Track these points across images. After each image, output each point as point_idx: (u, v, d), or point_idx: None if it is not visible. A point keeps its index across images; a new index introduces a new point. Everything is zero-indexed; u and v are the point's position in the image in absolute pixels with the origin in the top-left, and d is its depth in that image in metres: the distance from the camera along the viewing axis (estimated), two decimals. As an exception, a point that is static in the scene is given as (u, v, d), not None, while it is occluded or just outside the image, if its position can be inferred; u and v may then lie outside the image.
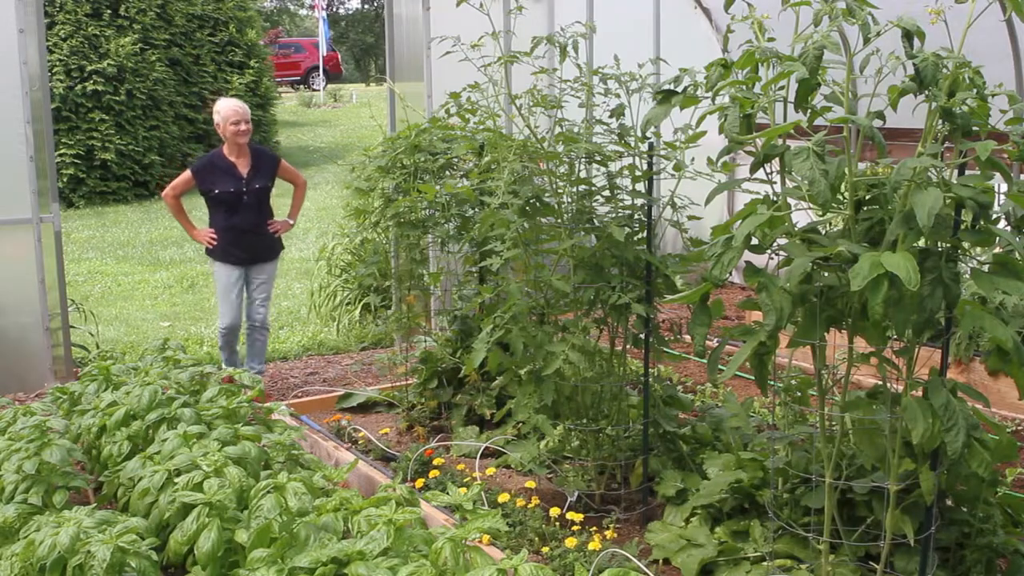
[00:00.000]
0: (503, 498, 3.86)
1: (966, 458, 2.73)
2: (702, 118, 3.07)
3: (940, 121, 2.62)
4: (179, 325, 7.94)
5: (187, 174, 5.64)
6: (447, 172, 4.85)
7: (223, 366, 5.73)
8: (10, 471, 3.48)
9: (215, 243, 5.61)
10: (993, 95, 2.61)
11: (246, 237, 5.62)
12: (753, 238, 2.69)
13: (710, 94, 2.92)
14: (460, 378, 4.99)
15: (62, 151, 13.95)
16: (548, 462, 4.18)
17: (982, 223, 2.62)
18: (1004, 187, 2.73)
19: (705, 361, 3.17)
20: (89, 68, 14.41)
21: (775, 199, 2.79)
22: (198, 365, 4.54)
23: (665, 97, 3.16)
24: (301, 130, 21.48)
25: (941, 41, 2.58)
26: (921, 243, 2.62)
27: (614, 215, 3.85)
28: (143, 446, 3.76)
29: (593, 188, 3.89)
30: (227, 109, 5.55)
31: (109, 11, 14.99)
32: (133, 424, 3.85)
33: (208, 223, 5.69)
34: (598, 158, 3.82)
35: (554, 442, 4.21)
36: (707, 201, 3.23)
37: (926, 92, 2.56)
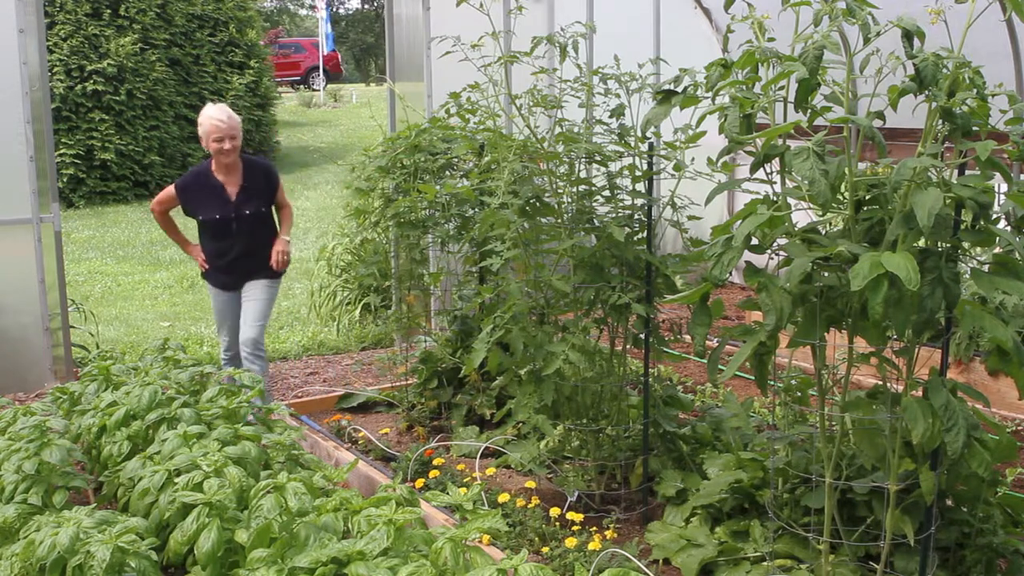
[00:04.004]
0: (503, 498, 3.86)
1: (966, 458, 2.73)
2: (702, 118, 3.07)
3: (940, 121, 2.62)
4: (179, 325, 7.94)
5: (171, 190, 5.06)
6: (447, 172, 4.85)
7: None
8: (10, 471, 3.48)
9: (206, 267, 5.16)
10: (993, 95, 2.61)
11: (237, 263, 5.04)
12: (753, 238, 2.70)
13: (710, 94, 2.92)
14: (460, 378, 4.99)
15: (62, 151, 13.96)
16: (548, 462, 4.18)
17: (982, 223, 2.62)
18: (1004, 187, 2.73)
19: (705, 361, 3.17)
20: (89, 68, 14.41)
21: (775, 199, 2.79)
22: (198, 365, 4.54)
23: (665, 97, 3.16)
24: (301, 130, 21.48)
25: (941, 41, 2.58)
26: (921, 243, 2.62)
27: (614, 215, 3.85)
28: (143, 446, 3.76)
29: (593, 188, 3.89)
30: (208, 122, 4.81)
31: (109, 11, 14.99)
32: (133, 424, 3.85)
33: (200, 240, 5.13)
34: (598, 158, 3.82)
35: (554, 442, 4.20)
36: (707, 201, 3.23)
37: (926, 92, 2.56)
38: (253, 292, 5.09)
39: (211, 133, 4.79)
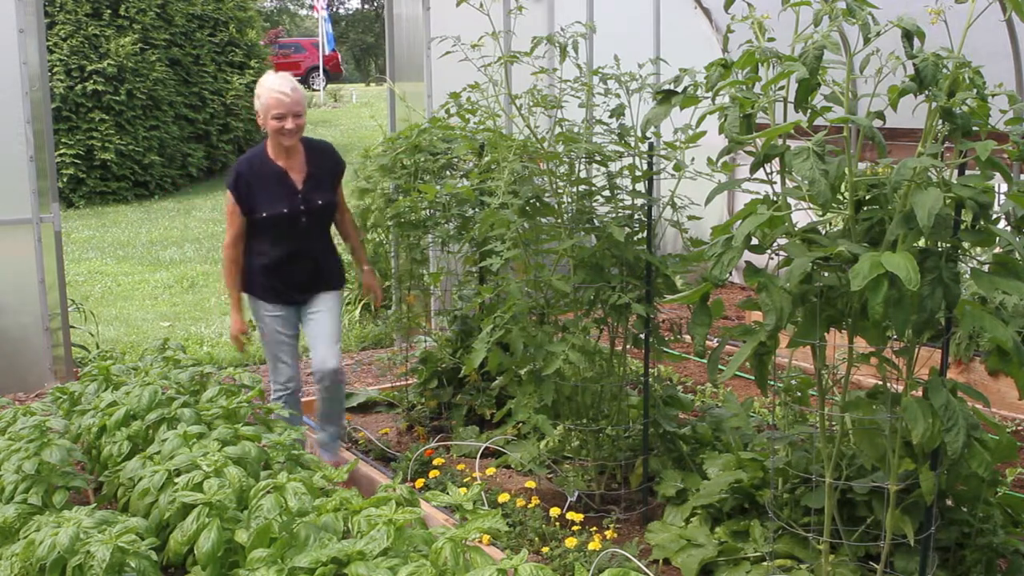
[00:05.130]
0: (503, 498, 3.86)
1: (966, 458, 2.73)
2: (702, 118, 3.07)
3: (940, 121, 2.62)
4: (179, 325, 7.94)
5: (229, 198, 4.09)
6: (447, 172, 4.85)
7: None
8: (10, 471, 3.48)
9: (245, 343, 4.32)
10: (993, 95, 2.61)
11: (308, 268, 4.17)
12: (753, 238, 2.70)
13: (710, 94, 2.92)
14: (460, 378, 4.99)
15: (62, 151, 13.96)
16: (548, 462, 4.18)
17: (982, 223, 2.62)
18: (1004, 187, 2.73)
19: (705, 361, 3.17)
20: (89, 68, 14.41)
21: (775, 199, 2.79)
22: (198, 365, 4.54)
23: (665, 97, 3.16)
24: (301, 130, 21.43)
25: (941, 41, 2.58)
26: (921, 243, 2.62)
27: (614, 215, 3.85)
28: (143, 446, 3.76)
29: (593, 188, 3.89)
30: (268, 95, 3.94)
31: (109, 11, 14.99)
32: (133, 424, 3.85)
33: (249, 249, 4.17)
34: (598, 158, 3.82)
35: (554, 442, 4.21)
36: (707, 201, 3.23)
37: (926, 92, 2.56)
38: (323, 303, 4.21)
39: (271, 108, 3.94)
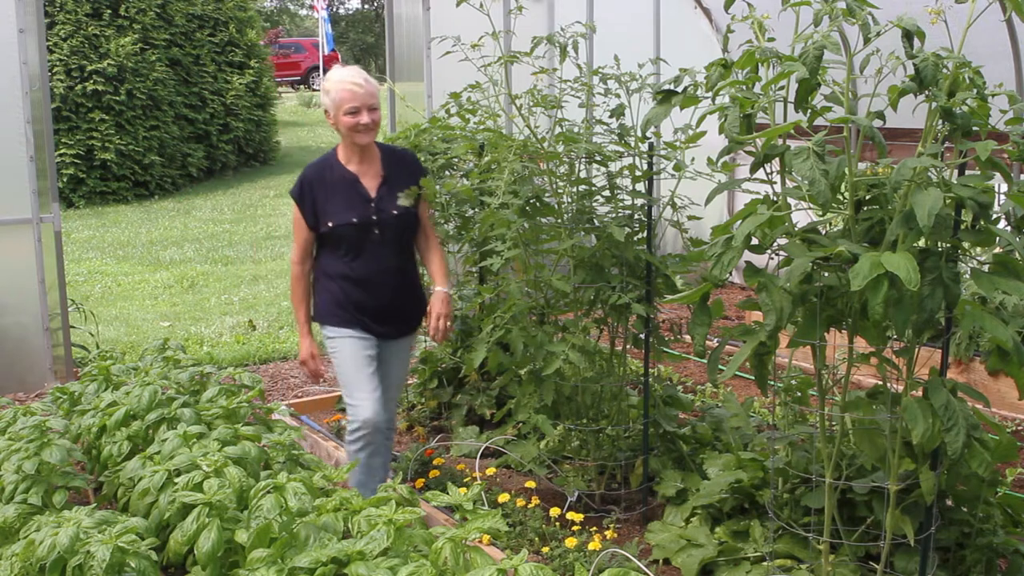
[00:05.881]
0: (503, 498, 3.85)
1: (966, 458, 2.73)
2: (702, 118, 3.07)
3: (940, 121, 2.62)
4: (179, 325, 7.94)
5: (295, 208, 3.68)
6: (447, 172, 4.85)
7: (350, 483, 3.63)
8: (10, 471, 3.48)
9: (322, 374, 3.81)
10: (993, 95, 2.61)
11: (377, 295, 3.63)
12: (753, 238, 2.69)
13: (710, 94, 2.92)
14: (460, 378, 4.99)
15: (62, 151, 13.96)
16: (548, 462, 4.18)
17: (982, 223, 2.62)
18: (1004, 187, 2.73)
19: (705, 361, 3.17)
20: (89, 68, 14.41)
21: (775, 199, 2.79)
22: (198, 365, 4.54)
23: (665, 97, 3.16)
24: (301, 130, 21.48)
25: (941, 41, 2.58)
26: (921, 243, 2.62)
27: (614, 215, 3.85)
28: (143, 446, 3.76)
29: (593, 188, 3.89)
30: (339, 88, 3.51)
31: (109, 11, 14.99)
32: (133, 424, 3.85)
33: (318, 268, 3.72)
34: (598, 158, 3.82)
35: (554, 442, 4.21)
36: (707, 201, 3.23)
37: (926, 92, 2.56)
38: (397, 351, 3.77)
39: (343, 102, 3.49)
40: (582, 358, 3.62)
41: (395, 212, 3.62)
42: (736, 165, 3.26)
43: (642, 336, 3.83)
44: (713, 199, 3.11)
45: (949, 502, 3.21)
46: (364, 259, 3.60)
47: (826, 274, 2.75)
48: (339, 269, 3.62)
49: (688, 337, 3.23)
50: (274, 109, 18.44)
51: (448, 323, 3.66)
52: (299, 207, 3.65)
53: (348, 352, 3.61)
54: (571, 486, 3.94)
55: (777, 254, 2.80)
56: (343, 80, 3.52)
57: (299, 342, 3.76)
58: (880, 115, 2.66)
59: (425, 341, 5.35)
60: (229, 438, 3.52)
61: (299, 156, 18.68)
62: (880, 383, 2.93)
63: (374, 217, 3.60)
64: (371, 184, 3.64)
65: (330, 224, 3.58)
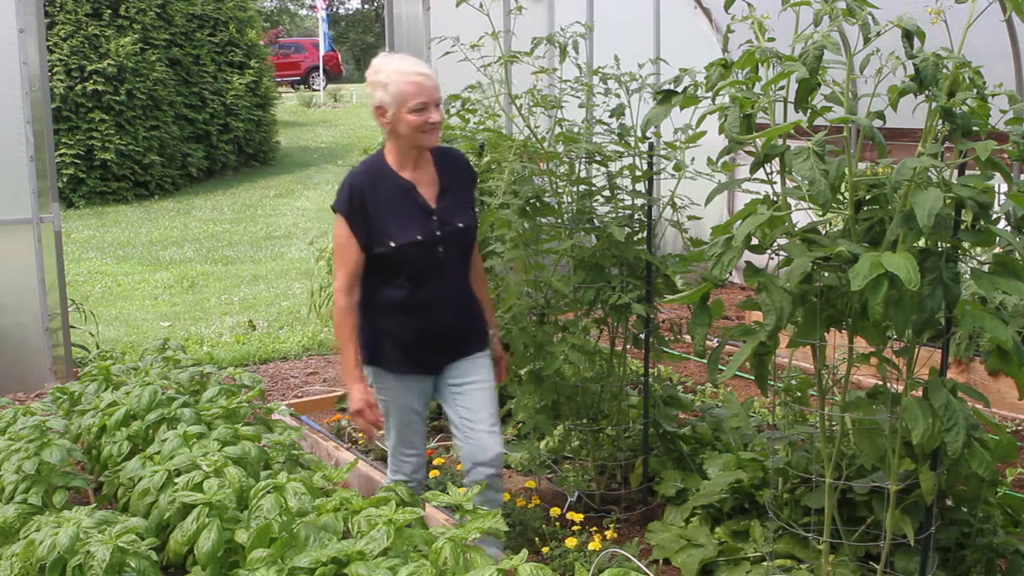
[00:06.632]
0: (503, 498, 3.85)
1: (966, 458, 2.73)
2: (702, 118, 3.07)
3: (940, 121, 2.62)
4: (179, 325, 7.94)
5: (342, 225, 3.02)
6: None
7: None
8: (10, 471, 3.48)
9: (380, 425, 3.15)
10: (993, 95, 2.61)
11: (440, 324, 3.11)
12: (753, 238, 2.69)
13: (710, 94, 2.92)
14: (460, 378, 4.98)
15: (62, 151, 13.95)
16: (548, 462, 4.18)
17: (982, 223, 2.62)
18: (1004, 187, 2.73)
19: (705, 361, 3.17)
20: (89, 68, 14.41)
21: (775, 199, 2.79)
22: (198, 365, 4.54)
23: (665, 97, 3.16)
24: (301, 130, 21.48)
25: (941, 41, 2.58)
26: (921, 243, 2.62)
27: (614, 215, 3.86)
28: (143, 446, 3.76)
29: (593, 188, 3.89)
30: (402, 81, 2.93)
31: (109, 11, 14.99)
32: (133, 424, 3.85)
33: (366, 299, 3.11)
34: (598, 158, 3.82)
35: (554, 442, 4.21)
36: (707, 201, 3.23)
37: (926, 92, 2.56)
38: (476, 370, 3.18)
39: (408, 97, 2.92)
40: (582, 358, 3.62)
41: (460, 225, 3.09)
42: (736, 165, 3.26)
43: (642, 336, 3.83)
44: (713, 199, 3.11)
45: (949, 502, 3.21)
46: (425, 283, 3.05)
47: (826, 274, 2.75)
48: (394, 298, 3.05)
49: (688, 337, 3.23)
50: (274, 109, 18.43)
51: (506, 366, 3.43)
52: (349, 224, 3.00)
53: (404, 402, 3.14)
54: (571, 486, 3.94)
55: (777, 254, 2.80)
56: (405, 71, 2.94)
57: (348, 388, 3.08)
58: (880, 115, 2.66)
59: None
60: (229, 438, 3.52)
61: (299, 156, 18.68)
62: (880, 383, 2.93)
63: (438, 232, 3.04)
64: (429, 193, 3.07)
65: (392, 244, 2.99)
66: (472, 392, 3.15)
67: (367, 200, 3.01)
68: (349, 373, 3.08)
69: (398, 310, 3.07)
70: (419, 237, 3.01)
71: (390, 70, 2.97)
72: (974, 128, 2.61)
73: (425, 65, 3.03)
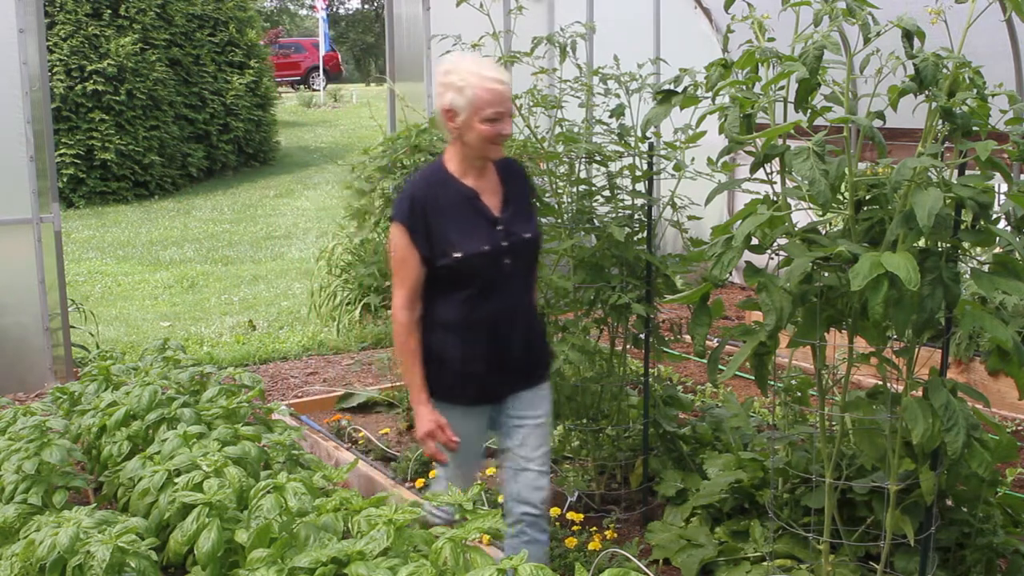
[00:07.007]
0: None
1: (966, 458, 2.73)
2: (702, 118, 3.07)
3: (940, 121, 2.62)
4: (179, 325, 7.94)
5: (402, 236, 2.81)
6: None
7: None
8: (10, 471, 3.48)
9: (455, 445, 2.86)
10: (993, 95, 2.61)
11: (508, 345, 2.89)
12: (753, 238, 2.70)
13: (710, 94, 2.92)
14: (460, 378, 4.98)
15: (62, 151, 13.96)
16: (548, 462, 4.18)
17: (982, 223, 2.62)
18: (1004, 187, 2.73)
19: (705, 361, 3.17)
20: (89, 68, 14.41)
21: (775, 199, 2.79)
22: (198, 365, 4.54)
23: (665, 97, 3.16)
24: (301, 130, 21.49)
25: (941, 41, 2.59)
26: (921, 243, 2.62)
27: (614, 215, 3.86)
28: (143, 446, 3.76)
29: (593, 188, 3.89)
30: (480, 86, 2.72)
31: (109, 11, 14.99)
32: (133, 424, 3.85)
33: (427, 319, 2.88)
34: (598, 158, 3.82)
35: (554, 442, 4.20)
36: (707, 201, 3.23)
37: (926, 92, 2.56)
38: (538, 403, 2.99)
39: (484, 105, 2.73)
40: (582, 358, 3.62)
41: (526, 236, 2.91)
42: (736, 165, 3.26)
43: (642, 336, 3.83)
44: (713, 199, 3.11)
45: (949, 502, 3.21)
46: (492, 298, 2.85)
47: (826, 274, 2.75)
48: (456, 315, 2.84)
49: (688, 337, 3.23)
50: (274, 109, 18.45)
51: None
52: (410, 236, 2.79)
53: (469, 435, 2.91)
54: (571, 486, 3.94)
55: (777, 254, 2.80)
56: (483, 75, 2.73)
57: (416, 410, 2.87)
58: (880, 115, 2.66)
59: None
60: (229, 438, 3.51)
61: (299, 156, 18.69)
62: (880, 383, 2.93)
63: (504, 243, 2.85)
64: (493, 202, 2.89)
65: (456, 255, 2.78)
66: (532, 429, 2.95)
67: (428, 209, 2.81)
68: (416, 395, 2.86)
69: (462, 328, 2.84)
70: (485, 247, 2.82)
71: (467, 72, 2.75)
72: (974, 128, 2.61)
73: (503, 71, 2.82)
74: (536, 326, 3.04)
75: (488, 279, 2.83)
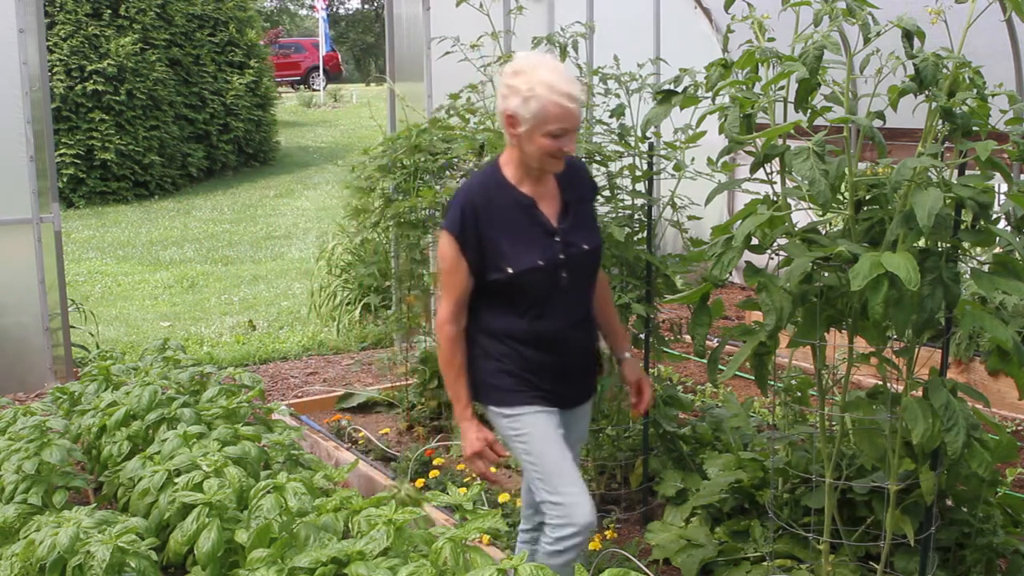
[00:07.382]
0: (503, 498, 3.85)
1: (966, 458, 2.73)
2: (702, 118, 3.07)
3: (940, 121, 2.62)
4: (179, 325, 7.94)
5: (451, 246, 2.66)
6: (447, 172, 4.85)
7: None
8: (10, 471, 3.48)
9: (498, 457, 2.76)
10: (993, 95, 2.61)
11: (562, 360, 2.77)
12: (753, 238, 2.69)
13: (710, 94, 2.92)
14: (460, 378, 4.98)
15: (62, 151, 13.96)
16: (548, 462, 4.17)
17: (982, 223, 2.62)
18: (1004, 187, 2.73)
19: (705, 361, 3.17)
20: (89, 68, 14.42)
21: (775, 199, 2.79)
22: (198, 365, 4.54)
23: (665, 97, 3.16)
24: (301, 130, 21.49)
25: (941, 41, 2.58)
26: (921, 243, 2.62)
27: (614, 215, 3.86)
28: (143, 446, 3.76)
29: (593, 188, 3.88)
30: (549, 100, 2.51)
31: (109, 11, 15.00)
32: (133, 424, 3.85)
33: (475, 324, 2.77)
34: (598, 158, 3.82)
35: (554, 442, 4.19)
36: (707, 201, 3.23)
37: (926, 92, 2.56)
38: (582, 422, 2.96)
39: (551, 120, 2.54)
40: (582, 358, 3.62)
41: (586, 247, 2.75)
42: (736, 165, 3.26)
43: (642, 336, 3.83)
44: (713, 199, 3.11)
45: (949, 502, 3.21)
46: (547, 316, 2.71)
47: (826, 274, 2.75)
48: (514, 328, 2.70)
49: (688, 337, 3.23)
50: (274, 109, 18.45)
51: (650, 390, 3.02)
52: (459, 246, 2.64)
53: (541, 435, 2.69)
54: (571, 486, 3.93)
55: (777, 254, 2.80)
56: (556, 87, 2.52)
57: (462, 429, 2.76)
58: (880, 115, 2.66)
59: (425, 341, 5.35)
60: (229, 438, 3.52)
61: (299, 156, 18.69)
62: (880, 383, 2.93)
63: (561, 256, 2.69)
64: (550, 211, 2.72)
65: (509, 270, 2.64)
66: (571, 447, 2.82)
67: (481, 219, 2.65)
68: (461, 411, 2.73)
69: (519, 341, 2.72)
70: (540, 262, 2.66)
71: (537, 81, 2.52)
72: (974, 128, 2.61)
73: (576, 82, 2.58)
74: (594, 337, 2.90)
75: (543, 295, 2.69)
